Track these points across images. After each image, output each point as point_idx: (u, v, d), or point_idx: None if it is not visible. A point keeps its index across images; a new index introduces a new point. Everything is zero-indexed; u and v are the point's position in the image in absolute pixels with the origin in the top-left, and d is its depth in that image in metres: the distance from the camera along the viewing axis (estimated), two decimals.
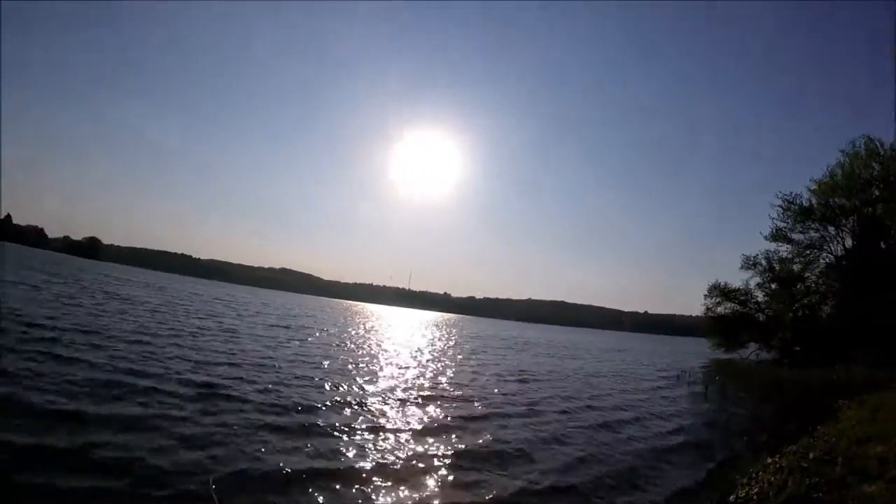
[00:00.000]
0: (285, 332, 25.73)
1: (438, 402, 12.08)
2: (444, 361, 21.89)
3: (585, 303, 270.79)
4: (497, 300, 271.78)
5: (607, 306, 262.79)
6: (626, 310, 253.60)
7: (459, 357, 25.10)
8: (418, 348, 27.56)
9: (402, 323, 67.58)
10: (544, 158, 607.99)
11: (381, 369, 16.88)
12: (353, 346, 24.07)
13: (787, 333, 32.75)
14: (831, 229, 32.21)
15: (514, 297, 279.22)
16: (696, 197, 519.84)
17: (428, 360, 21.47)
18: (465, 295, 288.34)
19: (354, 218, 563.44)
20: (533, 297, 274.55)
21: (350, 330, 35.86)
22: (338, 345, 23.30)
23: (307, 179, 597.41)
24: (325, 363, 16.31)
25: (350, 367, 16.37)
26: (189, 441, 7.00)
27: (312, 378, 13.15)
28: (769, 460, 8.72)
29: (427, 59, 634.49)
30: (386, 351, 23.73)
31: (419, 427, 9.47)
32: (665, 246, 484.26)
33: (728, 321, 36.63)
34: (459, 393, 13.83)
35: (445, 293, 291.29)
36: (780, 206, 33.28)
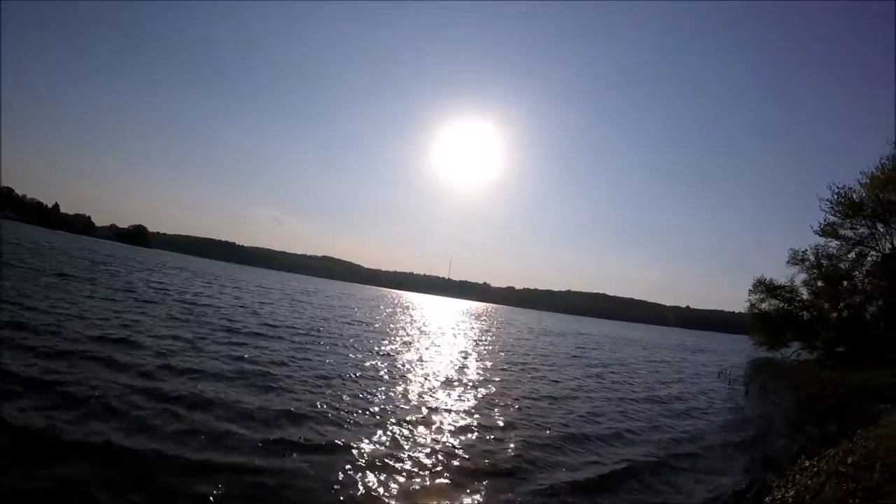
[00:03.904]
0: (366, 331, 24.83)
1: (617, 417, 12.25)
2: (553, 361, 22.42)
3: (626, 296, 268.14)
4: (537, 291, 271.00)
5: (649, 300, 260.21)
6: (668, 304, 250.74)
7: (562, 355, 26.10)
8: (517, 347, 27.96)
9: (458, 315, 68.69)
10: (586, 152, 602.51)
11: (538, 385, 15.43)
12: (460, 350, 22.66)
13: (830, 333, 31.79)
14: (881, 226, 30.67)
15: (554, 288, 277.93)
16: (745, 189, 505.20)
17: (538, 360, 21.97)
18: (504, 285, 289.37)
19: (396, 207, 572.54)
20: (573, 289, 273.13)
21: (429, 328, 34.61)
22: (438, 350, 21.91)
23: (350, 170, 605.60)
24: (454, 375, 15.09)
25: (481, 378, 15.17)
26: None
27: (453, 392, 12.38)
28: (807, 463, 8.62)
29: (469, 52, 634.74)
30: (496, 354, 22.77)
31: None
32: (711, 240, 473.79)
33: (771, 319, 35.52)
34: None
35: (485, 283, 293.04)
36: (829, 199, 31.59)
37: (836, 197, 31.45)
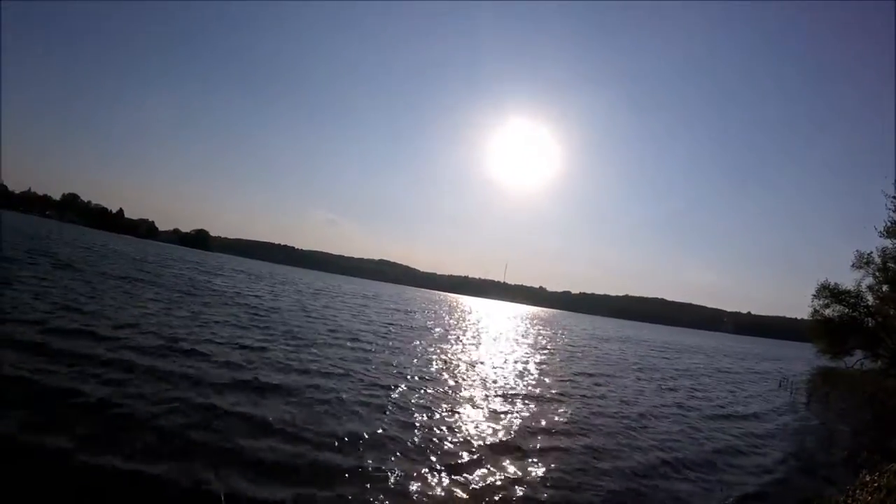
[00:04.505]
0: (432, 339, 24.87)
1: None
2: (623, 372, 22.73)
3: (684, 300, 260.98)
4: (593, 295, 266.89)
5: (707, 305, 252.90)
6: (727, 310, 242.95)
7: (631, 365, 26.34)
8: (585, 356, 28.14)
9: (518, 320, 68.49)
10: (645, 152, 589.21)
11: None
12: (530, 360, 22.31)
13: (895, 341, 30.60)
14: None
15: (611, 292, 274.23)
16: (813, 190, 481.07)
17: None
18: (560, 289, 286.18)
19: (451, 209, 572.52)
20: (630, 294, 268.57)
21: (494, 335, 34.24)
22: (507, 359, 21.49)
23: (404, 172, 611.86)
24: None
25: (556, 392, 14.82)
26: None
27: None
28: (868, 478, 8.51)
29: (525, 52, 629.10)
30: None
31: None
32: (777, 244, 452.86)
33: (835, 325, 34.21)
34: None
35: (541, 287, 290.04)
36: (894, 196, 29.55)
37: None
